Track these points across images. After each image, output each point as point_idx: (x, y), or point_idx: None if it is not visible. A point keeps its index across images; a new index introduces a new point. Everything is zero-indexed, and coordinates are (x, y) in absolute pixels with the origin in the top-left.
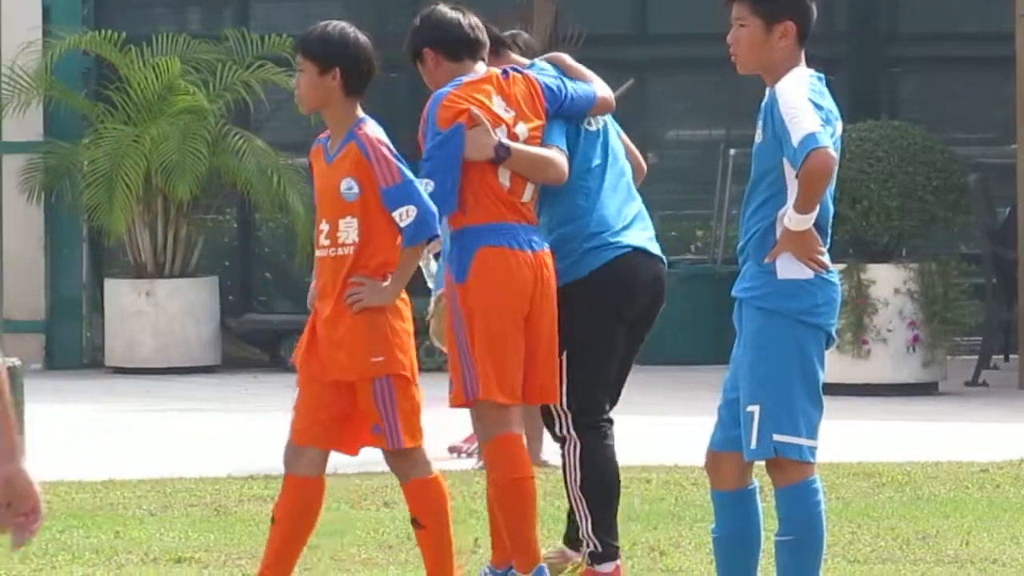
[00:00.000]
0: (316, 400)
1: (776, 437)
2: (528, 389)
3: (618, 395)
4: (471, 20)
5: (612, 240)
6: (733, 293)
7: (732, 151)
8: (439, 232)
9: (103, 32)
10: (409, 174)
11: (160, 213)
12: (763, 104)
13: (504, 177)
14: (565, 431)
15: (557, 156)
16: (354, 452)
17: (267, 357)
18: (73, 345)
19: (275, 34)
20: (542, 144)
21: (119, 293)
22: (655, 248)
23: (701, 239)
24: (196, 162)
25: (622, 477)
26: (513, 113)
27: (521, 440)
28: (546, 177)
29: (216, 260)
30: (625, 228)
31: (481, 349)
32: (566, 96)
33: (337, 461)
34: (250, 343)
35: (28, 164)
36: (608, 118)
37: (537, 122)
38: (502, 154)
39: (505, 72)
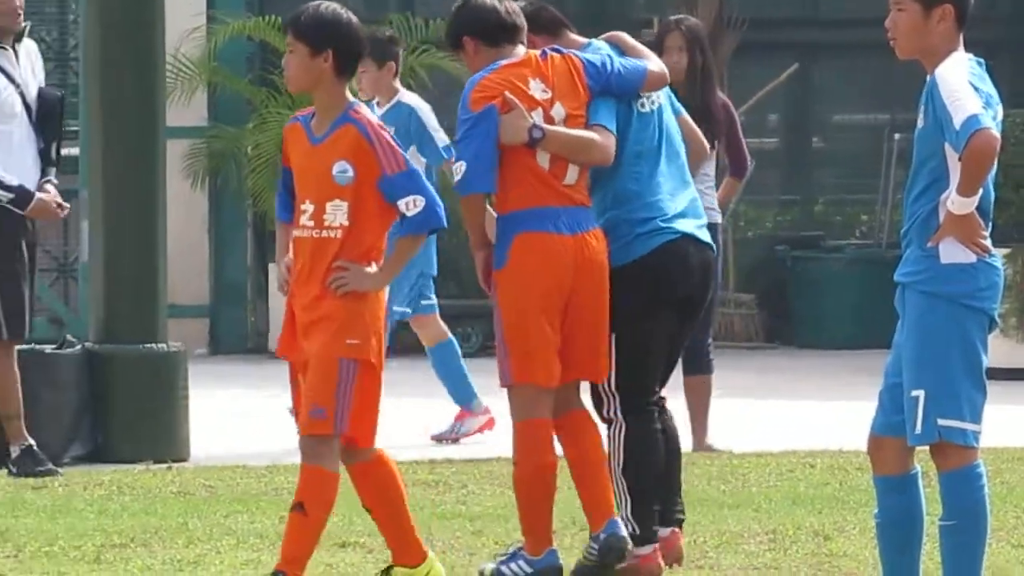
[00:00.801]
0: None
1: (940, 422)
2: (570, 366)
3: (666, 379)
4: (507, 5)
5: (663, 225)
6: (896, 278)
7: (897, 135)
8: (446, 224)
9: (266, 17)
10: (412, 163)
11: None
12: (924, 90)
13: (543, 159)
14: (612, 413)
15: (599, 137)
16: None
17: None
18: (237, 330)
19: (440, 19)
20: (586, 123)
21: None
22: (704, 235)
23: (866, 223)
24: None
25: (788, 461)
26: (551, 94)
27: (548, 427)
28: (589, 158)
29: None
30: (677, 215)
31: (513, 334)
32: (612, 71)
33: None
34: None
35: (192, 149)
36: (666, 100)
37: (578, 102)
38: (536, 136)
39: (544, 53)
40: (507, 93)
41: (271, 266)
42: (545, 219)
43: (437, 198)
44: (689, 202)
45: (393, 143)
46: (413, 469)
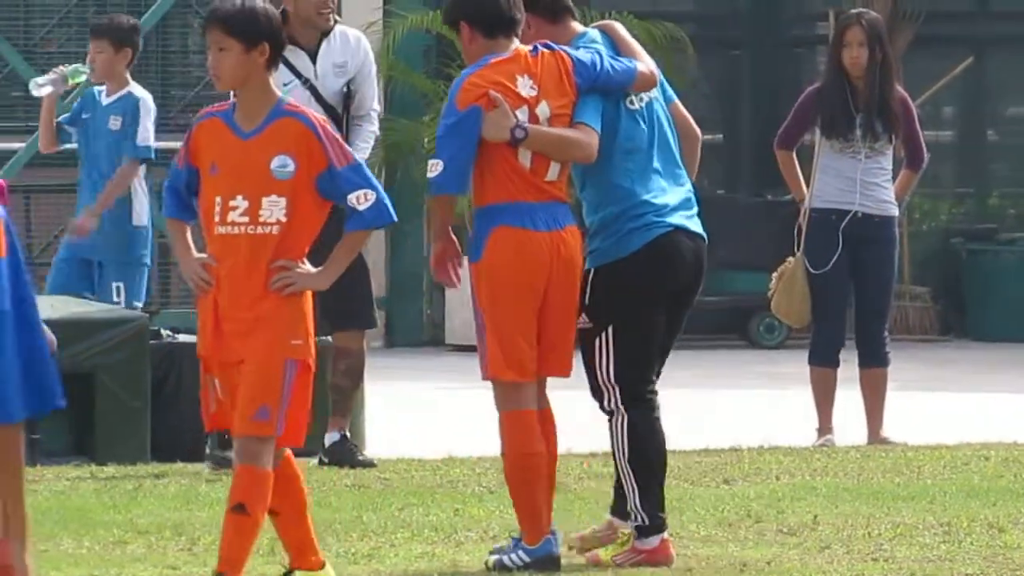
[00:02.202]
0: (234, 387)
1: None
2: (543, 363)
3: (660, 369)
4: None
5: (656, 220)
6: None
7: None
8: (396, 219)
9: (439, 11)
10: (358, 156)
11: None
12: None
13: (524, 157)
14: (613, 405)
15: (582, 136)
16: (233, 435)
17: None
18: (413, 323)
19: (616, 12)
20: (572, 121)
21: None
22: (696, 226)
23: None
24: None
25: (963, 454)
26: (537, 92)
27: (533, 416)
28: (571, 156)
29: None
30: (670, 209)
31: (490, 328)
32: (601, 70)
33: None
34: None
35: None
36: (658, 91)
37: (565, 99)
38: (519, 136)
39: (535, 49)
40: (492, 92)
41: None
42: (523, 214)
43: (384, 192)
44: (682, 194)
45: (338, 136)
46: (589, 462)
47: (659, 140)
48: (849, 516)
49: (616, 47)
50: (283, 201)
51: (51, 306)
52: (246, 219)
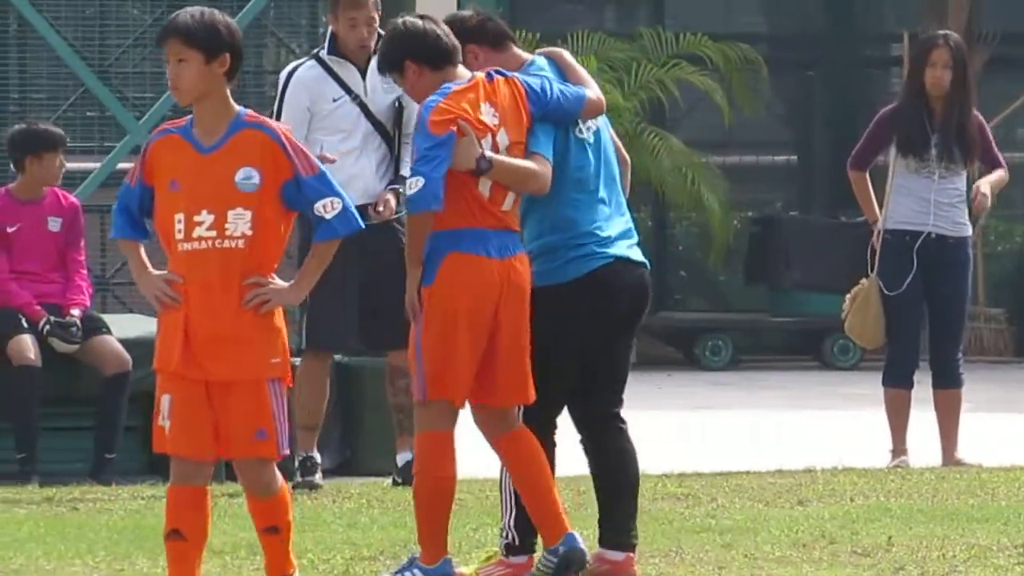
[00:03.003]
0: (191, 406)
1: None
2: (498, 391)
3: (620, 396)
4: (442, 28)
5: (597, 251)
6: None
7: None
8: (364, 226)
9: (519, 31)
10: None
11: None
12: None
13: (484, 187)
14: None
15: (539, 168)
16: (228, 456)
17: (682, 355)
18: None
19: (690, 32)
20: (526, 151)
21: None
22: (637, 255)
23: None
24: None
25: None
26: (498, 120)
27: (450, 439)
28: (527, 188)
29: None
30: (612, 239)
31: (435, 351)
32: (551, 97)
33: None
34: (665, 341)
35: None
36: (603, 121)
37: (521, 128)
38: (484, 167)
39: (490, 76)
40: (461, 122)
41: None
42: (477, 241)
43: (349, 200)
44: (623, 224)
45: (301, 145)
46: (663, 482)
47: (605, 169)
48: (923, 538)
49: (564, 74)
50: (248, 214)
51: (125, 326)
52: (213, 233)
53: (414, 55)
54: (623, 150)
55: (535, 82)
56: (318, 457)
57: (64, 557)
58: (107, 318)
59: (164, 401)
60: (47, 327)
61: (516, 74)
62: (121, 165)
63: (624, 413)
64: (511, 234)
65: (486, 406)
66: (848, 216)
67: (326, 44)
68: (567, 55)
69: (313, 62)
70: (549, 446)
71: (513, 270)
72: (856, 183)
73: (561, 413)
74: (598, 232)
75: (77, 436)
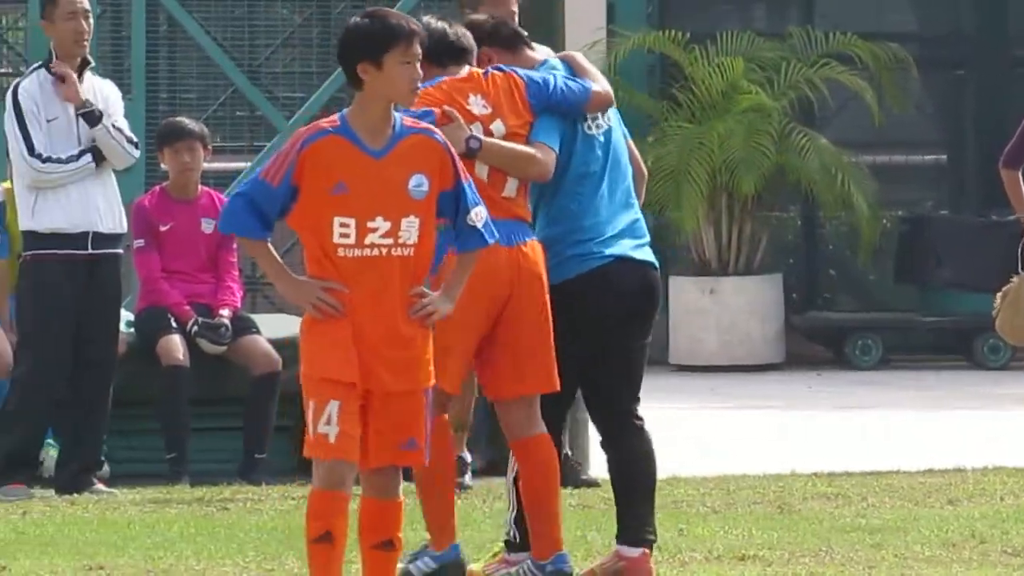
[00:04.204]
0: (354, 413)
1: None
2: (520, 380)
3: (637, 396)
4: (458, 29)
5: (596, 250)
6: None
7: None
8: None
9: (667, 31)
10: None
11: (724, 211)
12: None
13: (481, 171)
14: None
15: (539, 153)
16: (371, 465)
17: (831, 354)
18: None
19: (839, 32)
20: (528, 140)
21: (683, 290)
22: (643, 254)
23: None
24: (761, 160)
25: None
26: (491, 110)
27: (446, 425)
28: (526, 173)
29: (780, 257)
30: (613, 237)
31: (436, 338)
32: (555, 90)
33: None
34: (814, 340)
35: None
36: (616, 121)
37: (521, 119)
38: (473, 146)
39: (486, 72)
40: (446, 107)
41: (672, 278)
42: None
43: None
44: (629, 224)
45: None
46: (812, 482)
47: (612, 167)
48: None
49: (575, 74)
50: (417, 222)
51: (277, 326)
52: (389, 241)
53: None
54: (640, 163)
55: (538, 76)
56: (468, 457)
57: (214, 557)
58: (257, 318)
59: (331, 407)
60: (195, 328)
61: (516, 69)
62: None
63: (774, 412)
64: (518, 223)
65: (510, 401)
66: (999, 215)
67: None
68: (580, 57)
69: None
70: (556, 445)
71: (523, 256)
72: (1008, 181)
73: (567, 411)
74: (599, 229)
75: (227, 436)
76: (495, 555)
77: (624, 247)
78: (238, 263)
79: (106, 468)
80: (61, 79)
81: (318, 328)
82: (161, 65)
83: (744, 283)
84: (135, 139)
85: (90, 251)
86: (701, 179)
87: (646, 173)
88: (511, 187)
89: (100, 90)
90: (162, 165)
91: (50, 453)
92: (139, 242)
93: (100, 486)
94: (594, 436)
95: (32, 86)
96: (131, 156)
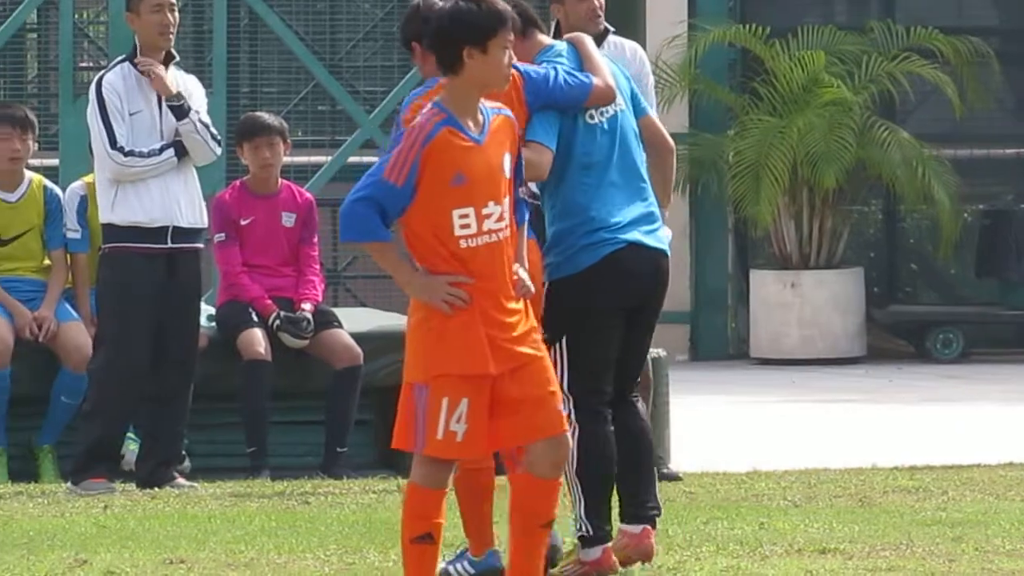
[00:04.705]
0: (485, 407)
1: None
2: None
3: (635, 379)
4: None
5: (608, 236)
6: None
7: None
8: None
9: (749, 25)
10: None
11: (805, 204)
12: None
13: None
14: (573, 418)
15: (532, 155)
16: (522, 442)
17: (912, 348)
18: (718, 336)
19: (920, 26)
20: (524, 139)
21: (764, 284)
22: (655, 241)
23: None
24: (842, 153)
25: None
26: None
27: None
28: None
29: (861, 251)
30: (626, 225)
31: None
32: (554, 85)
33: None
34: (895, 334)
35: None
36: (627, 105)
37: (516, 118)
38: None
39: None
40: None
41: (753, 272)
42: None
43: None
44: (641, 210)
45: None
46: (893, 476)
47: (620, 154)
48: None
49: (581, 61)
50: (507, 201)
51: (357, 319)
52: (502, 224)
53: (419, 36)
54: (668, 138)
55: (539, 70)
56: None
57: (295, 551)
58: (339, 312)
59: (463, 405)
60: (277, 322)
61: (515, 64)
62: (352, 159)
63: (855, 406)
64: None
65: None
66: None
67: (551, 33)
68: (588, 41)
69: None
70: (609, 436)
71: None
72: None
73: (609, 396)
74: (609, 218)
75: (308, 430)
76: (569, 555)
77: (635, 233)
78: (319, 257)
79: (187, 462)
80: (149, 73)
81: (442, 323)
82: (242, 60)
83: (825, 277)
84: (218, 135)
85: (169, 245)
86: (781, 173)
87: (673, 146)
88: None
89: (184, 85)
90: (242, 160)
91: (131, 448)
92: (220, 236)
93: (181, 480)
94: (676, 430)
95: (116, 79)
96: (213, 152)
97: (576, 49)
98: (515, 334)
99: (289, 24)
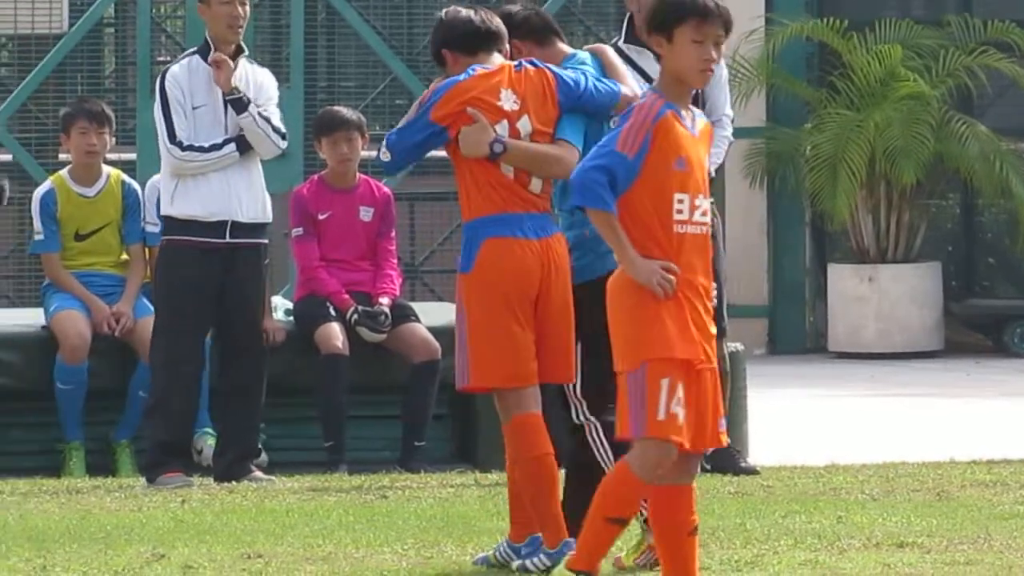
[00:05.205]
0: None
1: None
2: (541, 369)
3: None
4: (483, 14)
5: None
6: None
7: None
8: None
9: (826, 19)
10: None
11: (883, 198)
12: None
13: (507, 168)
14: (582, 417)
15: (561, 152)
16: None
17: (990, 342)
18: (796, 330)
19: (998, 20)
20: (553, 137)
21: (842, 278)
22: None
23: None
24: (919, 148)
25: None
26: (519, 106)
27: (539, 418)
28: (549, 172)
29: (939, 245)
30: None
31: (479, 337)
32: (584, 90)
33: None
34: (973, 328)
35: (751, 149)
36: None
37: (547, 116)
38: (497, 150)
39: (519, 64)
40: (470, 109)
41: (830, 266)
42: (511, 224)
43: None
44: None
45: None
46: (971, 470)
47: None
48: None
49: (604, 70)
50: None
51: (435, 313)
52: (706, 219)
53: (448, 43)
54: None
55: (570, 75)
56: None
57: (372, 545)
58: (416, 306)
59: (680, 389)
60: (355, 317)
61: (549, 65)
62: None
63: (932, 400)
64: (546, 217)
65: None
66: None
67: (623, 32)
68: (611, 51)
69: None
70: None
71: (552, 250)
72: None
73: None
74: None
75: (385, 424)
76: (639, 545)
77: None
78: (396, 251)
79: (264, 456)
80: (216, 65)
81: (657, 309)
82: (320, 54)
83: (903, 271)
84: (283, 129)
85: (228, 240)
86: (858, 167)
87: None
88: (537, 183)
89: (254, 77)
90: (320, 154)
91: (208, 442)
92: (298, 231)
93: (258, 474)
94: (754, 424)
95: (180, 72)
96: (277, 146)
97: (599, 58)
98: (710, 333)
99: (366, 19)
